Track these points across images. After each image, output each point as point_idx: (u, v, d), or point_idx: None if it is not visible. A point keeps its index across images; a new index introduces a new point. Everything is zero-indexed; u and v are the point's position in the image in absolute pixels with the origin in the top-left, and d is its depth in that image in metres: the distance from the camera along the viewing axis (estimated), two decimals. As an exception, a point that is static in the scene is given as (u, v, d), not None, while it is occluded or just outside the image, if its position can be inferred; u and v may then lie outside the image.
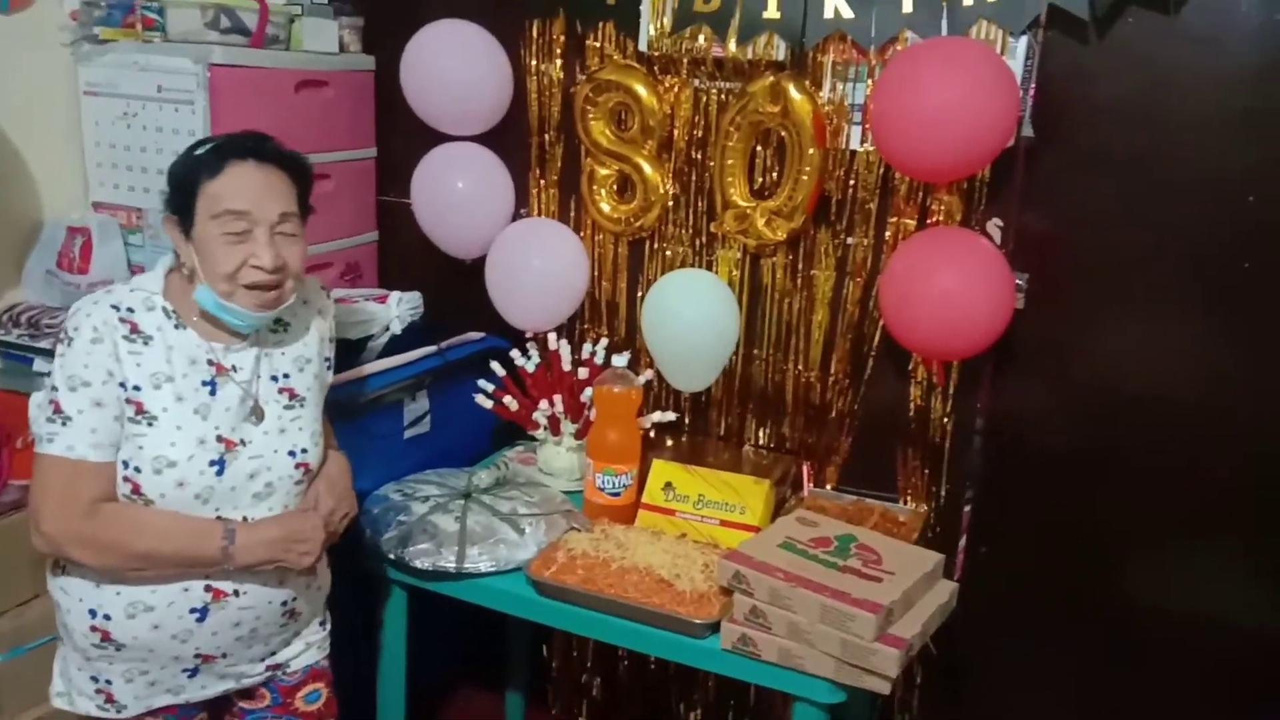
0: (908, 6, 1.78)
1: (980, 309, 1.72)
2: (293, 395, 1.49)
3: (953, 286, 1.72)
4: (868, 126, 1.86)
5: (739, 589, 1.55)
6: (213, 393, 1.40)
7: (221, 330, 1.42)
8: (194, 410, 1.38)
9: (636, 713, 2.38)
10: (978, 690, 2.08)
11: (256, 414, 1.44)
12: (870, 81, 1.86)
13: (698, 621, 1.56)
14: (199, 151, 1.38)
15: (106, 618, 1.37)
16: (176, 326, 1.40)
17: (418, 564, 1.70)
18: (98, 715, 1.43)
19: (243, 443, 1.41)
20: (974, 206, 1.86)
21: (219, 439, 1.39)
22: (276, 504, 1.45)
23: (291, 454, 1.46)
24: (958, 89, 1.60)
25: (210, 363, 1.41)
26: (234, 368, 1.43)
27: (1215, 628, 1.85)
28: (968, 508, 1.99)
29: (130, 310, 1.37)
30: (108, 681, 1.42)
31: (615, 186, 2.14)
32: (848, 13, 1.82)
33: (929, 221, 1.89)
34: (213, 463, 1.38)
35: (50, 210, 2.10)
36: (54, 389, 1.34)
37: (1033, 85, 1.78)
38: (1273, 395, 1.75)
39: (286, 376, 1.49)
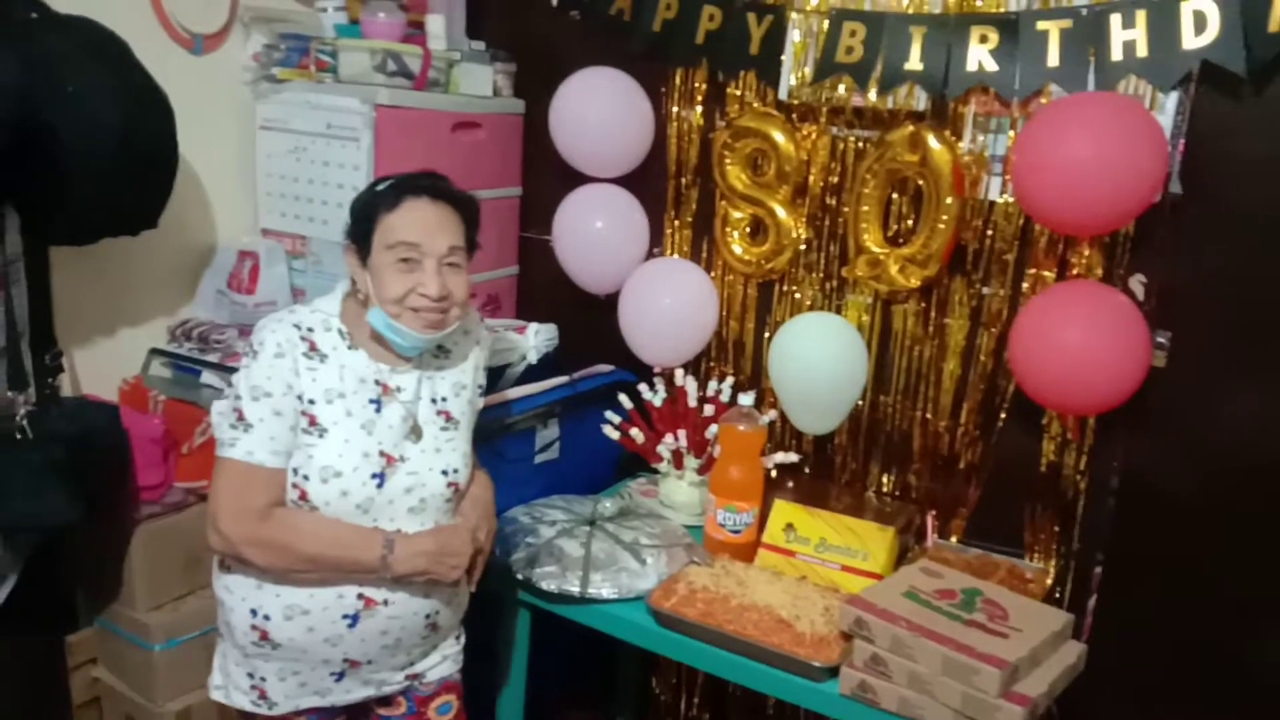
0: (1053, 60, 1.78)
1: (1111, 365, 1.69)
2: (449, 418, 1.57)
3: (1082, 340, 1.69)
4: (1008, 178, 1.86)
5: (860, 635, 1.55)
6: (378, 410, 1.50)
7: (389, 353, 1.52)
8: (361, 426, 1.48)
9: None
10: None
11: (416, 433, 1.53)
12: (1012, 133, 1.86)
13: (817, 664, 1.57)
14: (380, 187, 1.50)
15: (266, 618, 1.47)
16: (350, 347, 1.50)
17: (544, 585, 1.76)
18: (250, 710, 1.52)
19: (402, 459, 1.50)
20: (1116, 261, 1.83)
21: (381, 454, 1.49)
22: (428, 519, 1.54)
23: (444, 473, 1.55)
24: (1103, 143, 1.59)
25: (378, 382, 1.51)
26: (398, 388, 1.52)
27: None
28: (1098, 568, 1.94)
29: (310, 330, 1.49)
30: (262, 679, 1.51)
31: (748, 229, 2.18)
32: (991, 65, 1.83)
33: (1068, 275, 1.87)
34: (374, 475, 1.48)
35: (224, 234, 2.28)
36: (238, 398, 1.44)
37: (1182, 141, 1.75)
38: None
39: (445, 400, 1.58)
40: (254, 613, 1.47)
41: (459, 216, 1.50)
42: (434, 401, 1.57)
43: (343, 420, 1.47)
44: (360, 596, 1.48)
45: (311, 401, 1.46)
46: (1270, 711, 1.83)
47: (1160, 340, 1.80)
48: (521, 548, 1.83)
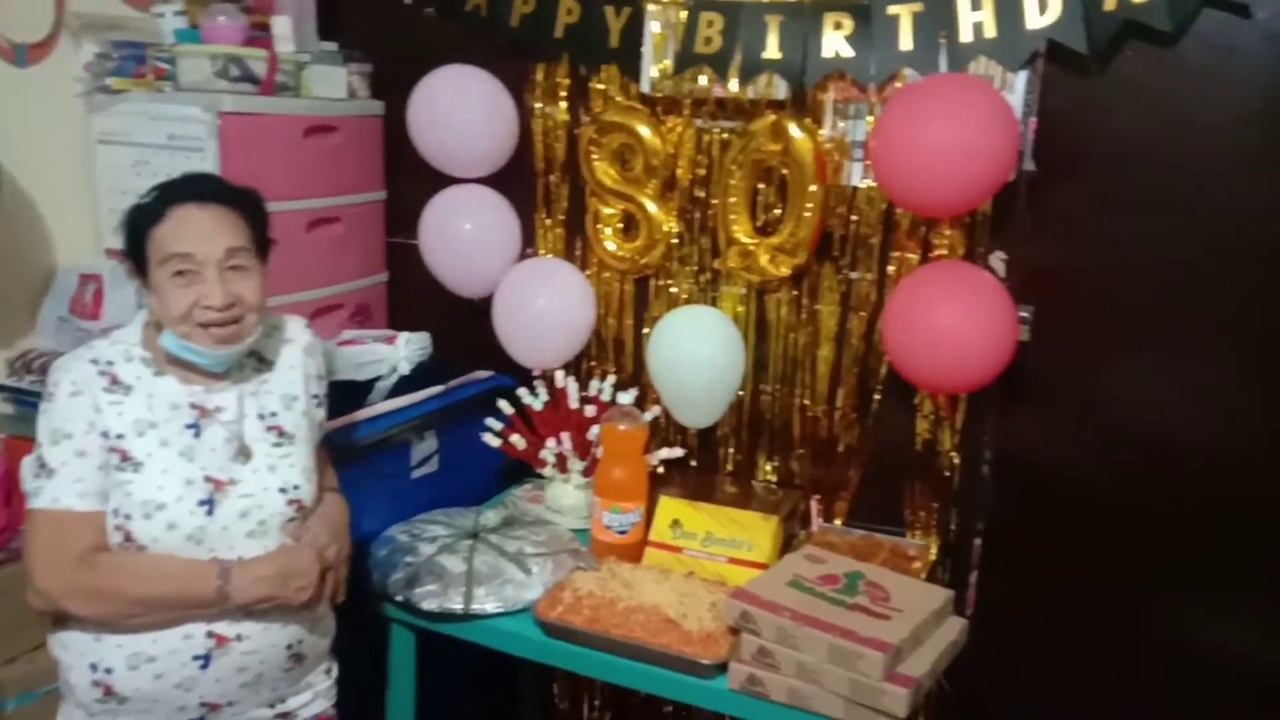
0: (906, 44, 1.80)
1: (981, 342, 1.72)
2: (281, 433, 1.50)
3: (952, 320, 1.71)
4: (869, 163, 1.87)
5: (746, 628, 1.54)
6: (197, 435, 1.42)
7: (197, 373, 1.44)
8: (179, 453, 1.40)
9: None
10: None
11: (244, 454, 1.45)
12: (871, 118, 1.88)
13: (705, 662, 1.55)
14: (144, 200, 1.40)
15: (108, 671, 1.37)
16: (156, 374, 1.42)
17: (424, 606, 1.70)
18: None
19: (232, 482, 1.42)
20: (976, 240, 1.87)
21: (206, 479, 1.41)
22: (272, 542, 1.45)
23: (283, 490, 1.47)
24: (954, 125, 1.61)
25: (193, 405, 1.42)
26: (218, 409, 1.44)
27: (1228, 662, 1.82)
28: (978, 541, 1.98)
29: (110, 363, 1.40)
30: None
31: (620, 225, 2.15)
32: (847, 51, 1.84)
33: (931, 256, 1.90)
34: (202, 502, 1.39)
35: (64, 257, 2.14)
36: (39, 445, 1.37)
37: (1034, 119, 1.79)
38: (1281, 430, 1.74)
39: (274, 414, 1.50)
40: (94, 667, 1.38)
41: (237, 215, 1.41)
42: (262, 417, 1.49)
43: (157, 451, 1.39)
44: (210, 634, 1.39)
45: (120, 436, 1.37)
46: (1149, 674, 1.89)
47: (1024, 315, 1.84)
48: (401, 568, 1.76)
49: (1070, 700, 1.97)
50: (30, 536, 1.36)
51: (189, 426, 1.42)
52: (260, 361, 1.52)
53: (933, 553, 1.96)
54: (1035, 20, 1.72)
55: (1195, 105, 1.71)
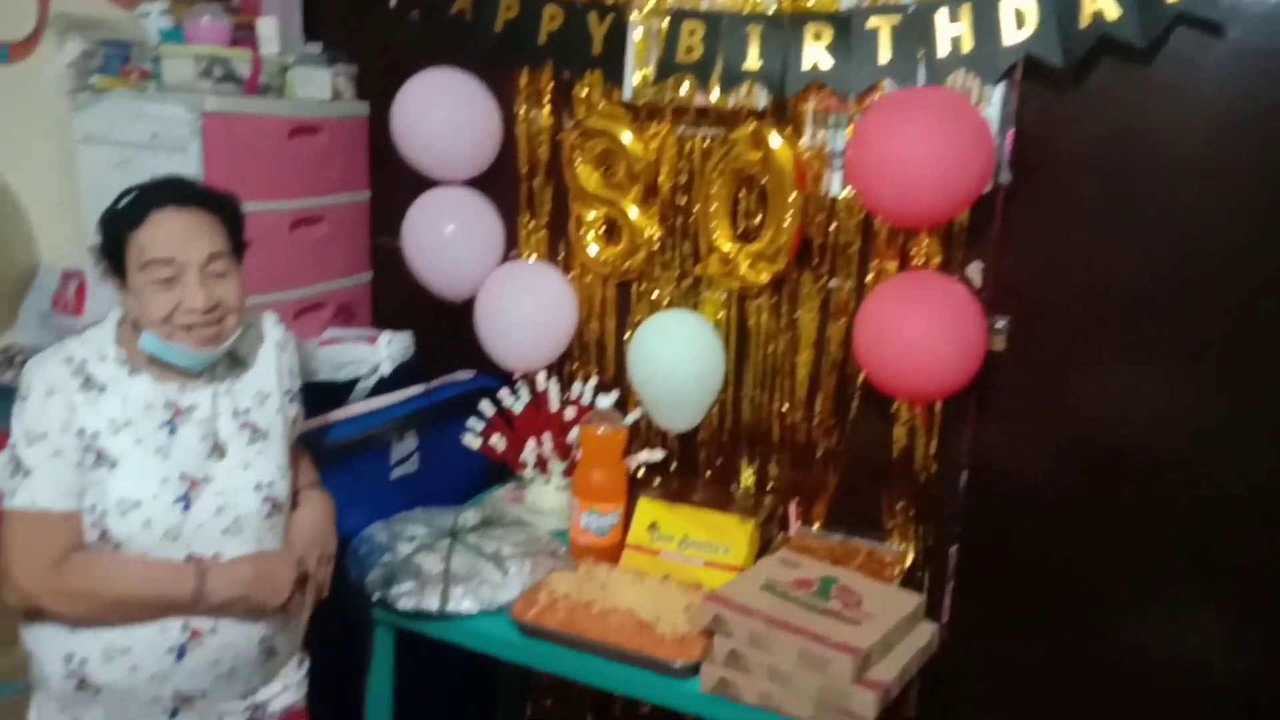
0: (885, 57, 1.82)
1: (948, 352, 1.74)
2: (255, 429, 1.50)
3: (919, 330, 1.73)
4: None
5: (719, 631, 1.56)
6: (172, 433, 1.42)
7: (173, 372, 1.44)
8: (154, 451, 1.40)
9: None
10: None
11: (219, 451, 1.46)
12: (850, 129, 1.90)
13: (677, 664, 1.57)
14: (121, 204, 1.40)
15: (83, 661, 1.38)
16: (131, 373, 1.42)
17: (401, 605, 1.71)
18: None
19: (206, 479, 1.43)
20: (954, 250, 1.89)
21: (182, 477, 1.41)
22: (248, 540, 1.46)
23: (257, 488, 1.47)
24: (931, 136, 1.64)
25: (168, 404, 1.43)
26: (192, 407, 1.45)
27: (1202, 668, 1.84)
28: (954, 548, 2.00)
29: (84, 361, 1.41)
30: None
31: (603, 230, 2.17)
32: (827, 63, 1.86)
33: (909, 265, 1.92)
34: (177, 500, 1.40)
35: (46, 254, 2.14)
36: (14, 445, 1.37)
37: (1011, 131, 1.81)
38: (1252, 442, 1.76)
39: (248, 411, 1.51)
40: (69, 659, 1.38)
41: (216, 218, 1.42)
42: (235, 414, 1.49)
43: (133, 449, 1.39)
44: (185, 628, 1.40)
45: (96, 435, 1.38)
46: (1123, 681, 1.91)
47: (998, 325, 1.86)
48: (378, 567, 1.77)
49: (1045, 705, 1.99)
50: (7, 536, 1.37)
51: (164, 425, 1.42)
52: (234, 359, 1.53)
53: (909, 559, 1.98)
54: (1012, 35, 1.74)
55: (1167, 119, 1.74)
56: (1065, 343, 1.87)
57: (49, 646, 1.40)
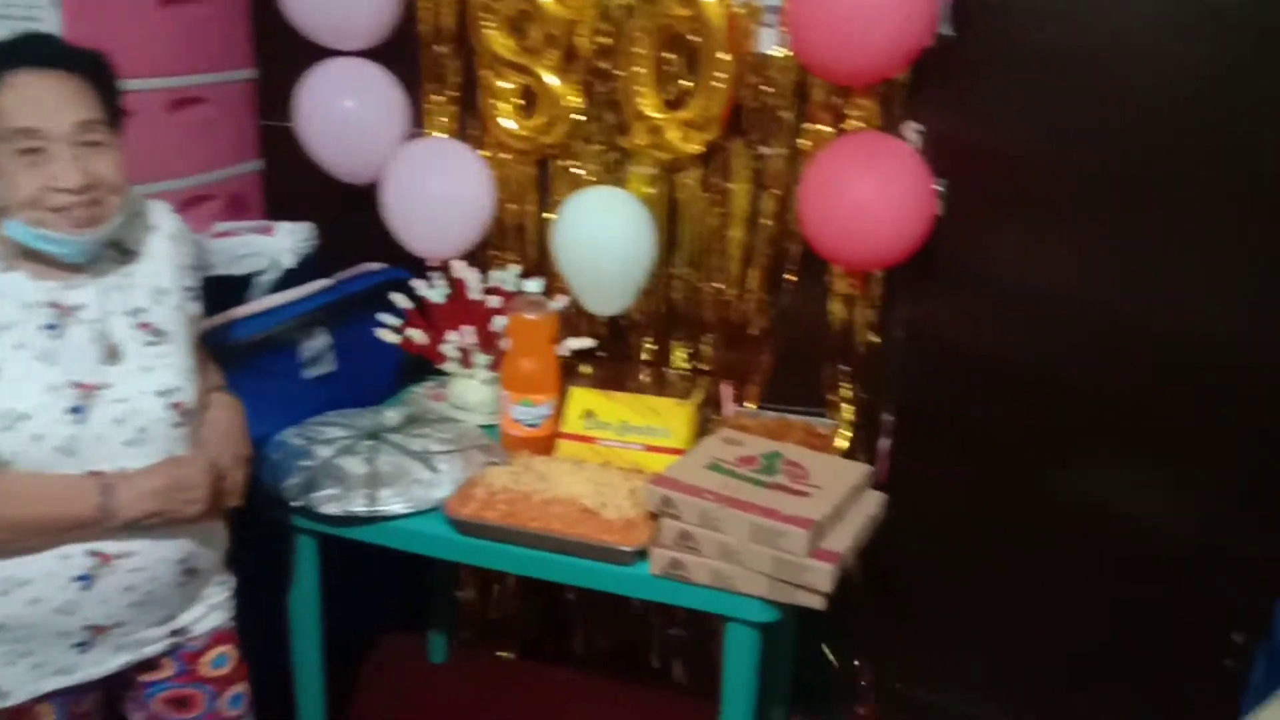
0: (819, -101, 1.69)
1: (899, 216, 1.68)
2: (154, 330, 1.35)
3: (871, 194, 1.67)
4: (784, 28, 1.78)
5: (667, 513, 1.51)
6: (57, 336, 1.26)
7: (53, 266, 1.28)
8: (37, 357, 1.25)
9: (565, 644, 2.33)
10: (907, 595, 2.08)
11: (112, 354, 1.30)
12: (783, -19, 1.77)
13: (625, 549, 1.52)
14: None
15: None
16: (4, 270, 1.26)
17: (325, 510, 1.61)
18: None
19: (102, 386, 1.28)
20: (892, 112, 1.81)
21: (73, 385, 1.26)
22: (155, 452, 1.32)
23: (161, 394, 1.32)
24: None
25: (52, 305, 1.27)
26: (78, 306, 1.29)
27: (1140, 531, 1.87)
28: (890, 417, 1.98)
29: None
30: None
31: (519, 102, 2.01)
32: (757, -93, 1.73)
33: (845, 128, 1.83)
34: (70, 410, 1.25)
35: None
36: None
37: (952, -21, 1.72)
38: (1189, 305, 1.75)
39: (144, 310, 1.35)
40: None
41: (87, 82, 1.24)
42: (129, 314, 1.33)
43: (11, 355, 1.23)
44: (92, 553, 1.26)
45: None
46: (1058, 534, 1.94)
47: (939, 189, 1.80)
48: (296, 472, 1.65)
49: (984, 571, 2.01)
50: None
51: (48, 327, 1.26)
52: (122, 252, 1.35)
53: (846, 430, 1.95)
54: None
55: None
56: (1007, 207, 1.83)
57: None
